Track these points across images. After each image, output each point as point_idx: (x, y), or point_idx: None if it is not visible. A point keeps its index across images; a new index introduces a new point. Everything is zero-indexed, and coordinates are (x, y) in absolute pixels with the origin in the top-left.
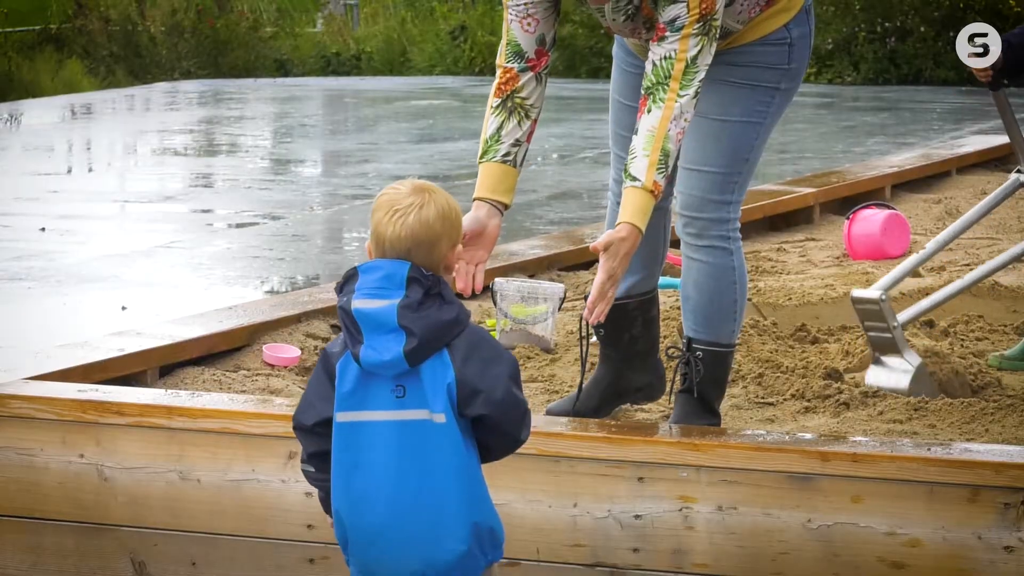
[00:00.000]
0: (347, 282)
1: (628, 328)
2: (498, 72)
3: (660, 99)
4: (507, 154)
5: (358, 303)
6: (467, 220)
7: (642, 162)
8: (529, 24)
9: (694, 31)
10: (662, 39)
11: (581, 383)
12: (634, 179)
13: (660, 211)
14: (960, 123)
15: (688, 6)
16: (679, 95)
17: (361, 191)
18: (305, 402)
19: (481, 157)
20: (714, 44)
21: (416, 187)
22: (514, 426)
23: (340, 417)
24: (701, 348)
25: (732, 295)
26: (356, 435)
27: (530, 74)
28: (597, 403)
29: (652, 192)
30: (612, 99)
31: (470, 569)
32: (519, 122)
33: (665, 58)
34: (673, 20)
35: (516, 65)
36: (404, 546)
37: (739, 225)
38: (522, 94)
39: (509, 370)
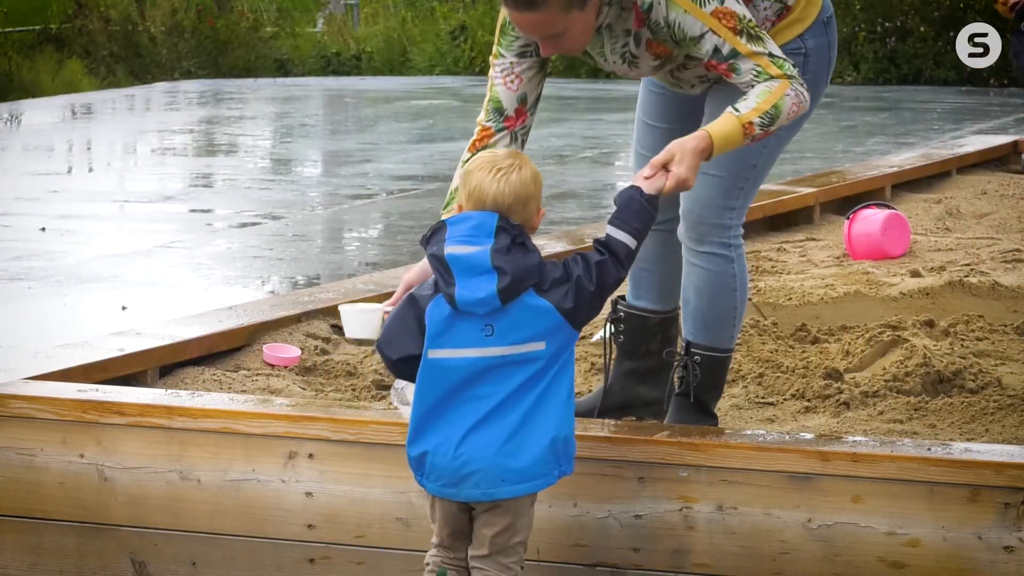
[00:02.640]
0: (434, 234)
1: (647, 341)
2: (476, 129)
3: (772, 81)
4: None
5: (451, 249)
6: (415, 271)
7: (751, 103)
8: (512, 82)
9: (743, 41)
10: (732, 70)
11: (606, 384)
12: (736, 110)
13: (671, 232)
14: (960, 123)
15: (717, 33)
16: (790, 80)
17: (361, 191)
18: (389, 336)
19: (445, 207)
20: (766, 30)
21: (511, 152)
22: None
23: (432, 354)
24: (699, 353)
25: (732, 302)
26: (446, 371)
27: (506, 133)
28: (603, 412)
29: (744, 128)
30: (637, 119)
31: (545, 478)
32: None
33: (755, 76)
34: (716, 50)
35: (494, 124)
36: (487, 470)
37: (742, 232)
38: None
39: (585, 283)
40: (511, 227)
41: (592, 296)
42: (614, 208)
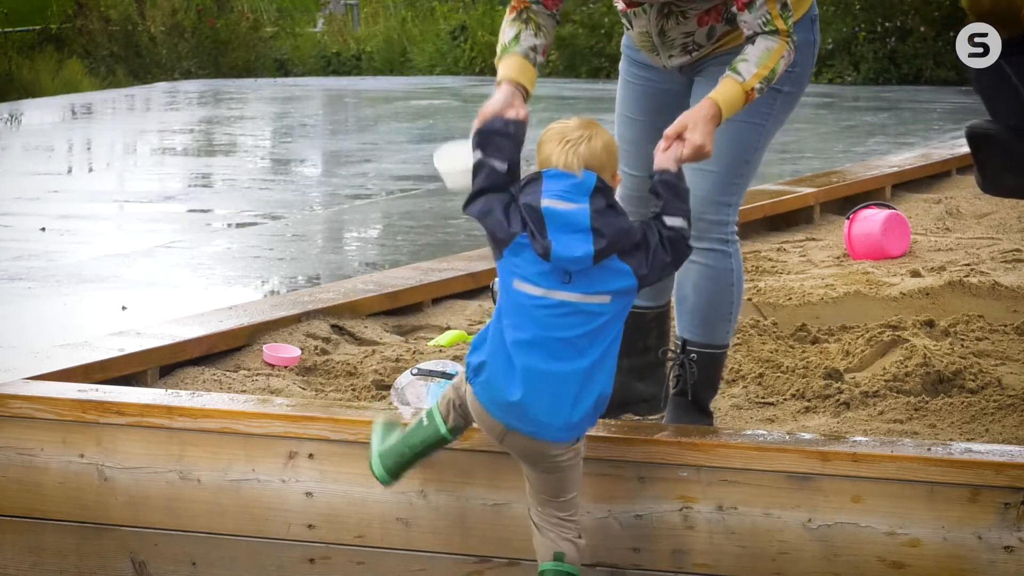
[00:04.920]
0: (528, 183)
1: (643, 338)
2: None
3: (773, 37)
4: (526, 54)
5: (547, 202)
6: (493, 100)
7: (752, 67)
8: None
9: None
10: (748, 5)
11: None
12: (738, 74)
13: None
14: (960, 123)
15: None
16: (789, 38)
17: (361, 191)
18: (487, 210)
19: (500, 57)
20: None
21: (583, 122)
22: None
23: (515, 285)
24: (696, 350)
25: (729, 297)
26: (521, 304)
27: (542, 7)
28: None
29: (747, 94)
30: (618, 114)
31: (577, 432)
32: (535, 32)
33: (762, 23)
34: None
35: None
36: (536, 412)
37: (736, 228)
38: (534, 10)
39: (662, 254)
40: (607, 188)
41: (667, 267)
42: (656, 199)
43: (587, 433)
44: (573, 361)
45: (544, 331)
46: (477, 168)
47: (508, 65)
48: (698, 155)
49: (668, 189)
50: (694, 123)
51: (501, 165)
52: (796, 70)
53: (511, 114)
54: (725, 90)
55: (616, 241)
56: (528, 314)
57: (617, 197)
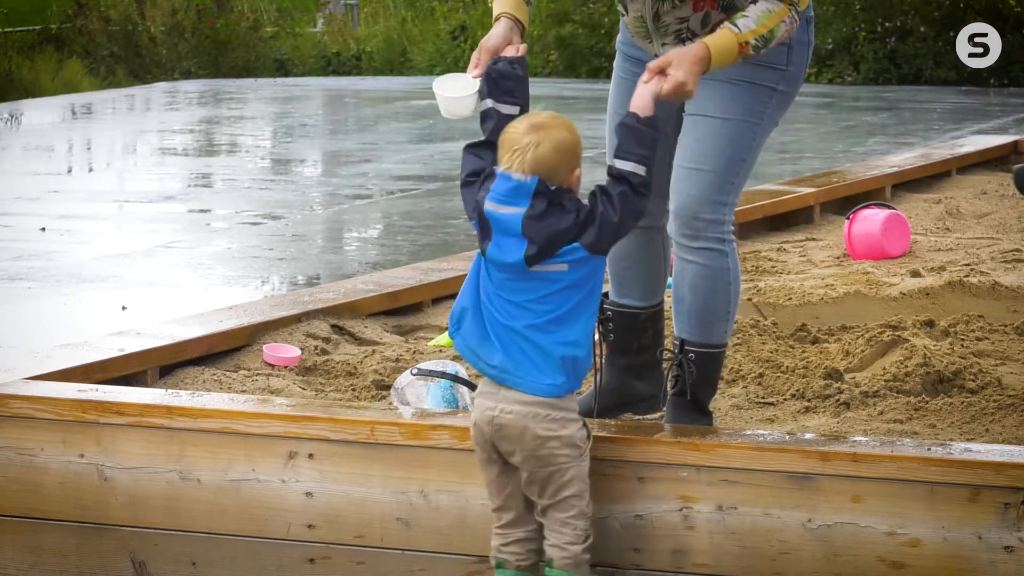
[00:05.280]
0: (486, 179)
1: (638, 338)
2: None
3: (775, 1)
4: None
5: (490, 205)
6: (494, 35)
7: (751, 23)
8: None
9: None
10: None
11: (597, 385)
12: (735, 26)
13: (655, 230)
14: (960, 123)
15: None
16: (793, 7)
17: (361, 191)
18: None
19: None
20: None
21: (532, 126)
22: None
23: (482, 246)
24: (694, 350)
25: (727, 296)
26: (490, 263)
27: None
28: (600, 410)
29: (741, 46)
30: (610, 113)
31: (551, 388)
32: None
33: None
34: None
35: None
36: (503, 363)
37: (732, 228)
38: None
39: (609, 216)
40: (548, 191)
41: (616, 227)
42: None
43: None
44: (530, 318)
45: (502, 290)
46: (486, 115)
47: (503, 1)
48: (678, 92)
49: (626, 132)
50: (680, 60)
51: (511, 109)
52: (791, 69)
53: (511, 52)
54: (718, 38)
55: (548, 246)
56: (489, 276)
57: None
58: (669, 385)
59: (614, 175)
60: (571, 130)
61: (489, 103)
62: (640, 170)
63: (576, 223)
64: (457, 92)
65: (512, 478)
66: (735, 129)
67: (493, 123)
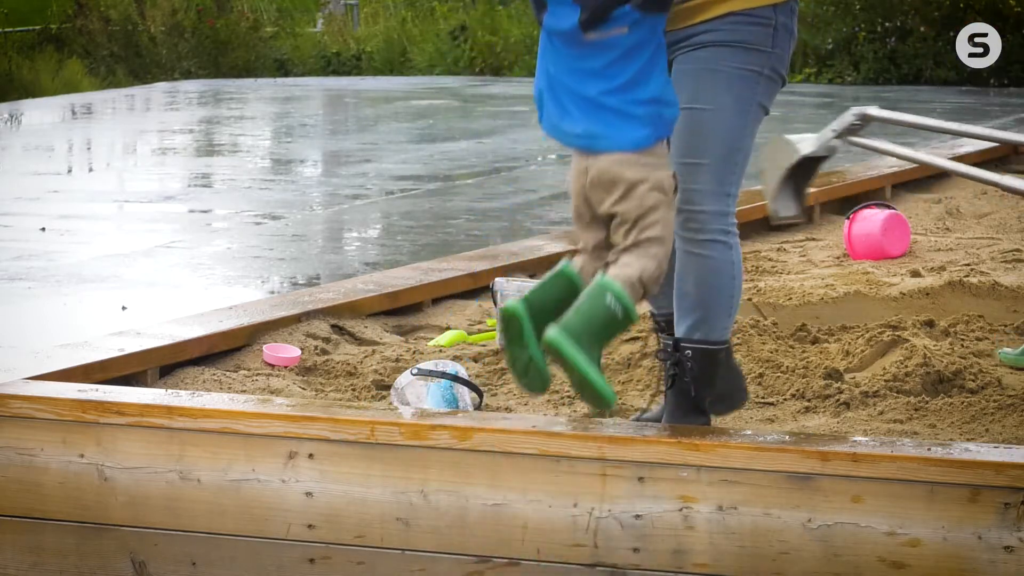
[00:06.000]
0: None
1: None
2: None
3: None
4: None
5: None
6: None
7: None
8: None
9: None
10: None
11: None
12: None
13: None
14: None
15: None
16: None
17: (361, 191)
18: None
19: None
20: None
21: None
22: None
23: (545, 22)
24: (692, 347)
25: (731, 290)
26: (551, 39)
27: None
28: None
29: None
30: None
31: (640, 141)
32: None
33: None
34: None
35: None
36: (585, 124)
37: (735, 221)
38: None
39: None
40: None
41: None
42: None
43: (588, 434)
44: (603, 83)
45: (569, 60)
46: None
47: None
48: None
49: None
50: None
51: None
52: (777, 51)
53: None
54: None
55: (599, 9)
56: (555, 41)
57: None
58: (666, 382)
59: None
60: None
61: None
62: None
63: None
64: None
65: (599, 231)
66: (727, 118)
67: None
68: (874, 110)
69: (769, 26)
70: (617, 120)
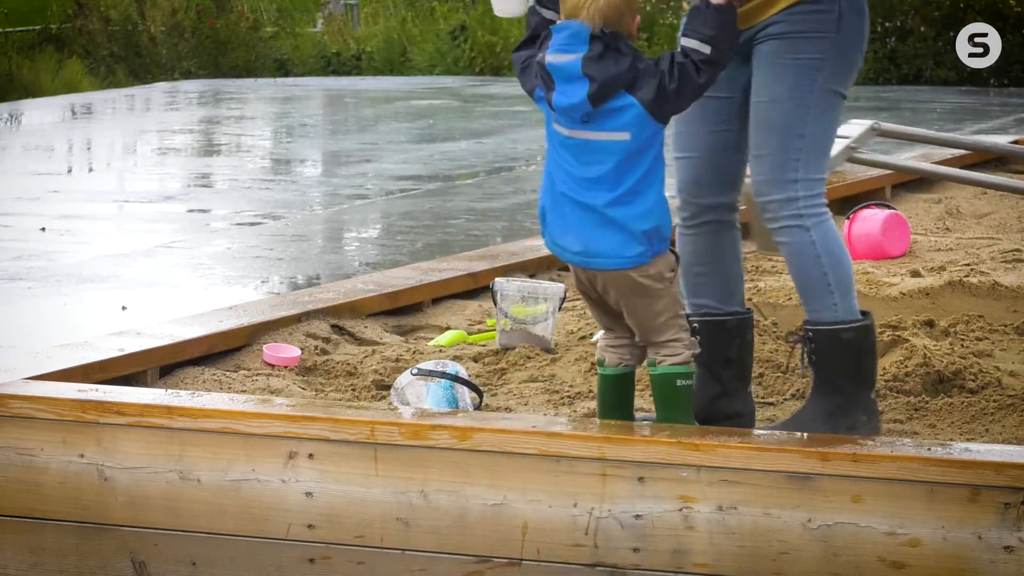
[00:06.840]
0: (543, 41)
1: (725, 349)
2: None
3: None
4: None
5: (550, 58)
6: None
7: None
8: None
9: None
10: None
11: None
12: None
13: (723, 225)
14: (960, 123)
15: None
16: None
17: (361, 191)
18: (520, 67)
19: None
20: None
21: None
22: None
23: (553, 126)
24: (810, 328)
25: (820, 269)
26: (555, 139)
27: None
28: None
29: None
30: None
31: (635, 258)
32: None
33: None
34: None
35: None
36: (580, 240)
37: (821, 201)
38: None
39: (666, 80)
40: (605, 35)
41: (672, 94)
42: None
43: (587, 434)
44: (604, 194)
45: (574, 169)
46: (531, 11)
47: None
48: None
49: (695, 13)
50: None
51: (553, 15)
52: (843, 35)
53: None
54: None
55: (608, 83)
56: (561, 151)
57: (675, 183)
58: (804, 364)
59: (681, 51)
60: None
61: (532, 1)
62: (704, 48)
63: (633, 67)
64: None
65: (615, 310)
66: (783, 108)
67: (537, 20)
68: (887, 125)
69: (833, 11)
70: (615, 239)
